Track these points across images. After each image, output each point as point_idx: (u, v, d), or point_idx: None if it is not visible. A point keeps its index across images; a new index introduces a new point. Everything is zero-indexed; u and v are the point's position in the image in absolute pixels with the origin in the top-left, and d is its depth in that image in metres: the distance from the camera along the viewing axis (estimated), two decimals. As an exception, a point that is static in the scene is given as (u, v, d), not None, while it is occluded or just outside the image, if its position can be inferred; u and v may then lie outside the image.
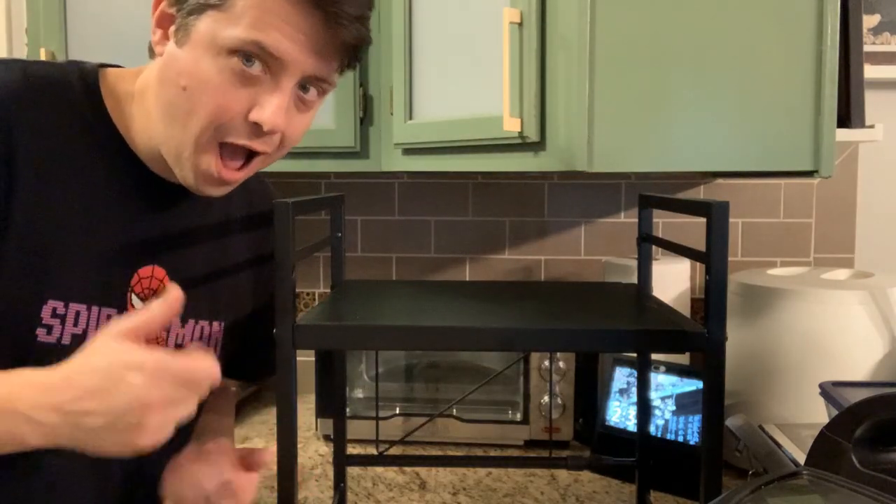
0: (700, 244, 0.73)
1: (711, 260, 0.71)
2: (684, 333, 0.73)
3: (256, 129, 0.72)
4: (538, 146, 0.95)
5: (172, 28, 0.72)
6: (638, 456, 0.98)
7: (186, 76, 0.70)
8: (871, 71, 1.39)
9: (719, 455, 0.74)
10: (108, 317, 0.76)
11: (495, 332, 0.72)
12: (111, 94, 0.77)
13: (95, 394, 0.60)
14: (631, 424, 1.16)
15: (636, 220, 0.97)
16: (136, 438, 0.61)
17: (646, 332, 0.73)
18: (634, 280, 0.97)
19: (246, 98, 0.71)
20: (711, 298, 0.71)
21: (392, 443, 1.27)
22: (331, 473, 1.17)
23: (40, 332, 0.71)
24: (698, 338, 0.72)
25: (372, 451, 1.26)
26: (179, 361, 0.62)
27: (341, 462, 1.01)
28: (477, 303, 0.84)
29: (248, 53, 0.69)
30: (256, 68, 0.70)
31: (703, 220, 0.71)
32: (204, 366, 0.63)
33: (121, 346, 0.62)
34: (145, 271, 0.79)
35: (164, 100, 0.72)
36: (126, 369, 0.60)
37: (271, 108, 0.71)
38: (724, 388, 0.72)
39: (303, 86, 0.74)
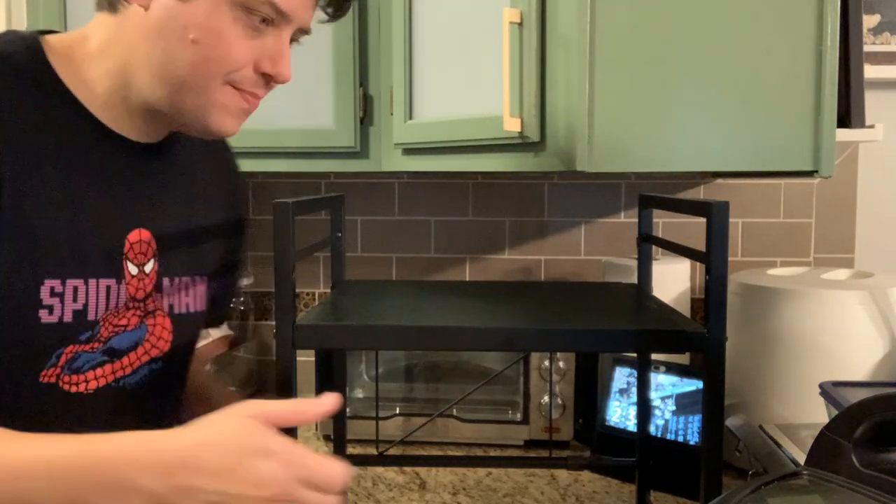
0: (700, 244, 0.73)
1: (711, 260, 0.71)
2: (684, 333, 0.73)
3: (266, 79, 0.76)
4: (538, 146, 0.95)
5: None
6: (638, 456, 0.98)
7: (196, 29, 0.70)
8: (871, 71, 1.39)
9: (719, 455, 0.74)
10: (108, 288, 0.76)
11: (495, 332, 0.72)
12: (61, 59, 0.75)
13: (217, 474, 0.56)
14: (631, 424, 1.16)
15: (636, 220, 0.97)
16: None
17: (645, 332, 0.73)
18: (635, 280, 0.97)
19: (253, 49, 0.74)
20: (711, 298, 0.71)
21: (392, 443, 1.28)
22: (331, 473, 1.17)
23: (42, 313, 0.71)
24: (698, 338, 0.72)
25: (372, 450, 1.26)
26: (317, 459, 0.58)
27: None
28: (476, 303, 0.85)
29: (256, 9, 0.71)
30: (262, 21, 0.73)
31: (704, 219, 0.71)
32: (338, 471, 0.59)
33: (258, 429, 0.58)
34: (133, 236, 0.79)
35: (168, 54, 0.72)
36: (256, 455, 0.57)
37: (285, 64, 0.75)
38: (724, 388, 0.72)
39: (293, 37, 0.78)
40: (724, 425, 0.73)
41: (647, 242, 0.96)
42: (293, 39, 0.79)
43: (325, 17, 0.81)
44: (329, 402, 0.63)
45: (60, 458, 0.58)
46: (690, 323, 0.76)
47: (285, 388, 0.72)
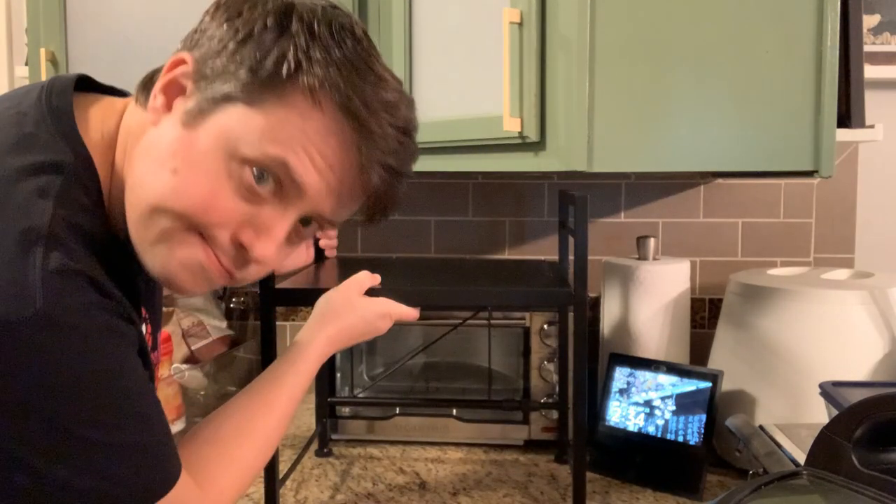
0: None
1: (576, 236, 0.92)
2: (559, 292, 0.99)
3: (240, 252, 0.63)
4: (538, 146, 0.95)
5: (182, 103, 0.62)
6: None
7: (182, 160, 0.59)
8: (871, 71, 1.39)
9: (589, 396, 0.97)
10: None
11: (417, 293, 0.97)
12: (93, 135, 0.64)
13: (361, 335, 0.90)
14: (631, 424, 1.16)
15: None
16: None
17: (528, 292, 1.01)
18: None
19: (241, 213, 0.61)
20: (576, 266, 0.92)
21: (392, 442, 1.28)
22: (331, 474, 1.17)
23: None
24: (566, 295, 0.96)
25: (372, 450, 1.26)
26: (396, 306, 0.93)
27: (323, 401, 1.27)
28: (426, 273, 1.03)
29: (266, 170, 0.60)
30: (267, 188, 0.61)
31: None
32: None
33: (371, 301, 0.91)
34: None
35: (145, 178, 0.61)
36: (378, 317, 0.91)
37: (268, 243, 0.63)
38: (587, 334, 0.95)
39: (306, 220, 0.66)
40: (596, 367, 0.84)
41: (563, 229, 1.22)
42: (309, 223, 0.66)
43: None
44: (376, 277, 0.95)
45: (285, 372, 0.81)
46: (568, 287, 0.96)
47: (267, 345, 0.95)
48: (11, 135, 0.60)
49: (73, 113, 0.62)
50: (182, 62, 0.62)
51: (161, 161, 0.60)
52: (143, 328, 0.70)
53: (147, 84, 0.65)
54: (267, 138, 0.59)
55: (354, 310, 0.90)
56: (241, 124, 0.59)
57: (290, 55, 0.59)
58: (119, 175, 0.64)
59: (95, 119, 0.65)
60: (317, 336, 0.86)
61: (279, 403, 0.78)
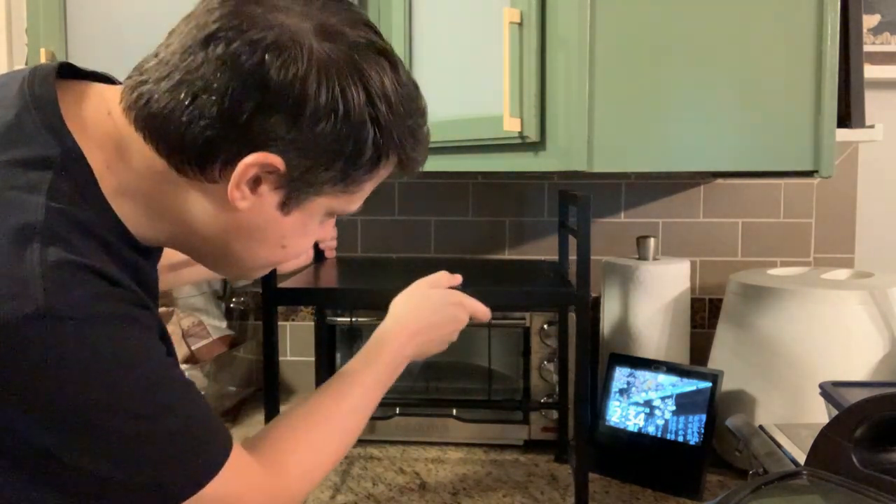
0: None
1: (579, 238, 0.93)
2: (559, 292, 1.01)
3: None
4: (538, 146, 0.95)
5: (270, 192, 0.63)
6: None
7: (291, 239, 0.68)
8: (871, 71, 1.39)
9: (590, 396, 0.95)
10: None
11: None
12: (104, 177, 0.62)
13: (438, 323, 0.89)
14: (631, 424, 1.16)
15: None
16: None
17: (530, 292, 1.02)
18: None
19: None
20: (579, 266, 0.93)
21: (392, 442, 1.28)
22: (331, 474, 1.17)
23: None
24: (569, 295, 0.98)
25: (372, 450, 1.26)
26: (472, 300, 0.93)
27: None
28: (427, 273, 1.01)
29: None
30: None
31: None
32: (486, 308, 0.94)
33: (442, 292, 0.92)
34: None
35: (251, 251, 0.68)
36: (451, 305, 0.90)
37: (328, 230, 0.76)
38: (590, 332, 0.95)
39: None
40: (597, 366, 0.83)
41: (563, 228, 1.25)
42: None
43: None
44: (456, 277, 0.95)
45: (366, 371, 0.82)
46: (570, 288, 0.98)
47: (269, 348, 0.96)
48: None
49: (58, 102, 0.61)
50: (271, 167, 0.61)
51: (270, 244, 0.68)
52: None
53: (165, 136, 0.60)
54: (355, 204, 0.71)
55: (426, 301, 0.90)
56: (336, 200, 0.68)
57: (382, 150, 0.66)
58: (115, 171, 0.62)
59: (87, 109, 0.63)
60: (390, 330, 0.87)
61: (351, 394, 0.79)
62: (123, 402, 0.55)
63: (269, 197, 0.64)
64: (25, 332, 0.51)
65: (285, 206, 0.65)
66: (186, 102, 0.59)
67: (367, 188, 0.70)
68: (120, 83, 0.66)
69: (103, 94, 0.65)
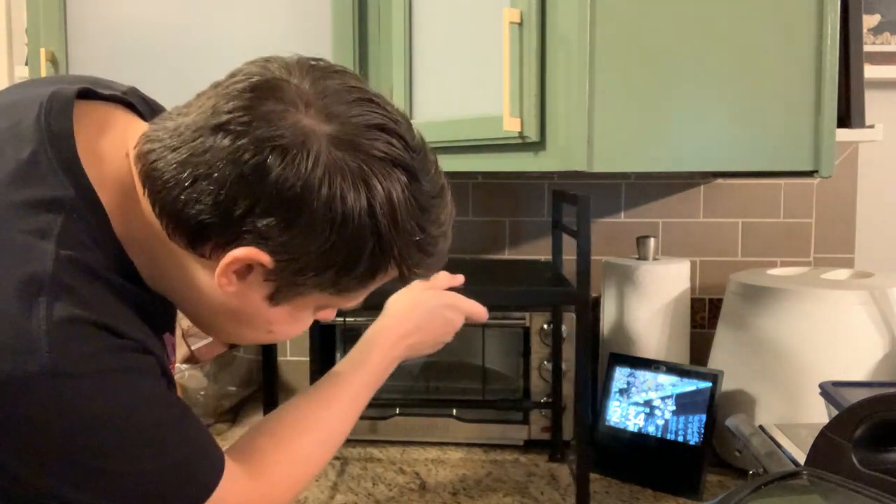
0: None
1: (579, 237, 0.96)
2: (559, 292, 1.04)
3: None
4: (538, 146, 0.95)
5: (260, 284, 0.62)
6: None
7: (278, 326, 0.67)
8: (871, 71, 1.39)
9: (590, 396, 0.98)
10: None
11: None
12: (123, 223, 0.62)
13: (431, 329, 0.88)
14: (631, 424, 1.16)
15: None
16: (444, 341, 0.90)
17: (530, 292, 1.05)
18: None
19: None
20: (579, 266, 0.95)
21: (392, 442, 1.28)
22: (331, 474, 1.17)
23: None
24: (569, 294, 1.01)
25: (372, 450, 1.26)
26: (469, 301, 0.92)
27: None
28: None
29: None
30: None
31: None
32: (483, 309, 0.93)
33: (436, 293, 0.90)
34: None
35: (239, 331, 0.68)
36: (444, 308, 0.89)
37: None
38: (590, 332, 0.97)
39: None
40: (597, 366, 0.82)
41: (556, 228, 1.28)
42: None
43: None
44: (458, 278, 0.95)
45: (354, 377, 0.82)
46: (570, 287, 1.01)
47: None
48: (10, 160, 0.59)
49: (74, 137, 0.60)
50: (259, 263, 0.60)
51: (256, 328, 0.67)
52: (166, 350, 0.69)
53: (172, 216, 0.59)
54: (346, 302, 0.68)
55: (419, 302, 0.89)
56: (330, 300, 0.66)
57: (381, 263, 0.62)
58: (126, 213, 0.61)
59: (105, 145, 0.62)
60: (380, 332, 0.86)
61: (339, 398, 0.79)
62: (125, 446, 0.57)
63: (258, 287, 0.62)
64: (29, 388, 0.52)
65: (273, 298, 0.63)
66: (187, 183, 0.57)
67: (362, 294, 0.67)
68: (135, 105, 0.66)
69: (125, 132, 0.63)
